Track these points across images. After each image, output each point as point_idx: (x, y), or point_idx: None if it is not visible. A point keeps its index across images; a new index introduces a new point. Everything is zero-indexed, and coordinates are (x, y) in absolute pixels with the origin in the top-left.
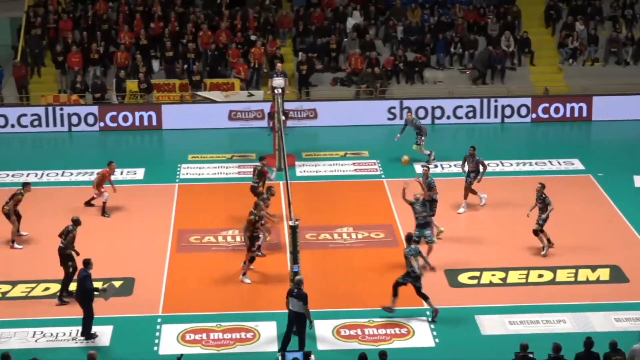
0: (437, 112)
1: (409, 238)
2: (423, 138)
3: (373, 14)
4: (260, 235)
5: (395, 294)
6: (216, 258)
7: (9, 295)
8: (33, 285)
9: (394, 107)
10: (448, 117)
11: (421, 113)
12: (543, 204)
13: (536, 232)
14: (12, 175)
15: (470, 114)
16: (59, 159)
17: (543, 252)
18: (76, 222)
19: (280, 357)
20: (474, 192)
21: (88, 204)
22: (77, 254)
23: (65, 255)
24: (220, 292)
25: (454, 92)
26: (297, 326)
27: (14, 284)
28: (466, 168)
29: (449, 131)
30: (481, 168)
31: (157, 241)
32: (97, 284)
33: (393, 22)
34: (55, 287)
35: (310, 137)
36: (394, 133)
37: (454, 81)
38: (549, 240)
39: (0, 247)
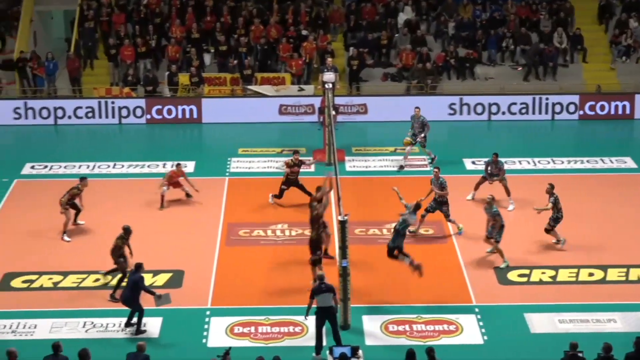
0: (494, 109)
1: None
2: (424, 135)
3: (424, 10)
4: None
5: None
6: (265, 252)
7: (60, 285)
8: (84, 276)
9: (453, 103)
10: (503, 113)
11: (479, 109)
12: (553, 204)
13: (547, 231)
14: (65, 167)
15: (523, 111)
16: (110, 151)
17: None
18: (126, 231)
19: (328, 352)
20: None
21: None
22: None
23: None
24: (269, 286)
25: (505, 89)
26: (330, 321)
27: (65, 274)
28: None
29: (501, 128)
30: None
31: (206, 234)
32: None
33: (445, 17)
34: (105, 279)
35: (360, 132)
36: (446, 129)
37: (505, 77)
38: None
39: (52, 238)
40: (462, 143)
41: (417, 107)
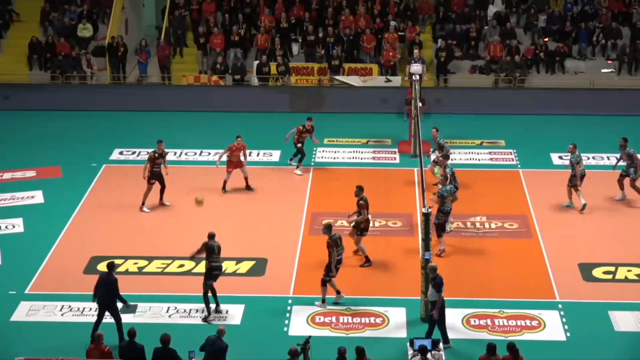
0: (583, 103)
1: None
2: (440, 155)
3: (515, 2)
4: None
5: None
6: (348, 242)
7: (145, 270)
8: (169, 261)
9: (542, 97)
10: (589, 109)
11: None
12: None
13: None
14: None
15: (614, 106)
16: (198, 138)
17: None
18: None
19: (409, 344)
20: (621, 187)
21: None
22: None
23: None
24: (351, 276)
25: (595, 84)
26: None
27: (150, 259)
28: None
29: (589, 123)
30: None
31: (290, 223)
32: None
33: (535, 10)
34: (190, 265)
35: (447, 124)
36: (532, 123)
37: (595, 72)
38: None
39: (138, 223)
40: (549, 137)
41: (434, 128)
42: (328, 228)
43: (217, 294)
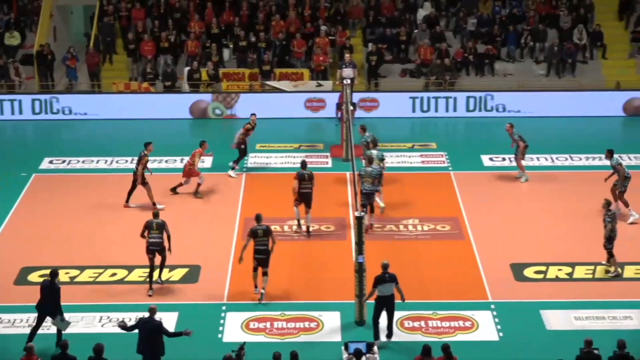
0: (509, 105)
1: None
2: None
3: (444, 6)
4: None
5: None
6: (281, 247)
7: (77, 279)
8: (100, 270)
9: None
10: (518, 111)
11: (490, 104)
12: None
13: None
14: (83, 162)
15: (543, 108)
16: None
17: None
18: (157, 215)
19: (343, 348)
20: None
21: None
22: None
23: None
24: (285, 281)
25: (524, 85)
26: (388, 310)
27: (82, 268)
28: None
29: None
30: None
31: (223, 229)
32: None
33: (464, 13)
34: (122, 273)
35: (378, 128)
36: (463, 125)
37: (524, 74)
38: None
39: (69, 232)
40: (479, 139)
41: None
42: (257, 218)
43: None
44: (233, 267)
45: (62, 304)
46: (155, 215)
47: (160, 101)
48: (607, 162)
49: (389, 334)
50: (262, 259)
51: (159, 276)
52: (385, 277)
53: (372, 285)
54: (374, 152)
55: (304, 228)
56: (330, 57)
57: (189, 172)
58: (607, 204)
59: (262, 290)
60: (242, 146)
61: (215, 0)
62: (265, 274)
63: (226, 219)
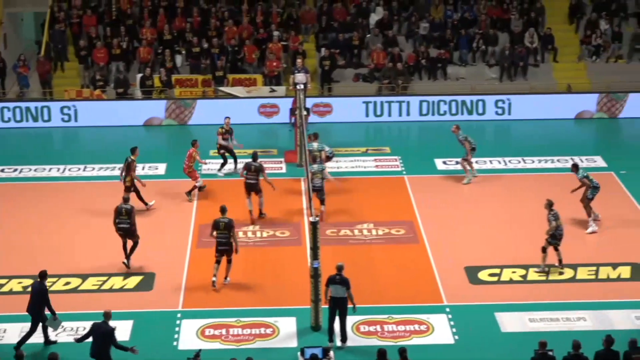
0: (463, 109)
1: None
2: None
3: (396, 10)
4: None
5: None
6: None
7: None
8: (54, 279)
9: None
10: (470, 114)
11: (443, 108)
12: (549, 221)
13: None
14: (35, 170)
15: (500, 111)
16: (81, 153)
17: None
18: (127, 200)
19: (299, 353)
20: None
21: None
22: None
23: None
24: (240, 288)
25: (477, 89)
26: (340, 313)
27: (34, 278)
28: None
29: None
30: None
31: (178, 236)
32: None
33: (416, 18)
34: (76, 282)
35: (332, 133)
36: (416, 129)
37: (476, 77)
38: (560, 262)
39: (22, 241)
40: (433, 143)
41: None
42: (221, 210)
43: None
44: (188, 274)
45: (15, 313)
46: (125, 200)
47: (113, 108)
48: (560, 165)
49: (343, 338)
50: (224, 250)
51: (127, 258)
52: (336, 278)
53: (324, 284)
54: (315, 144)
55: (254, 215)
56: (283, 62)
57: (190, 174)
58: (549, 204)
59: (229, 278)
60: (222, 151)
61: (167, 7)
62: (229, 262)
63: (181, 225)
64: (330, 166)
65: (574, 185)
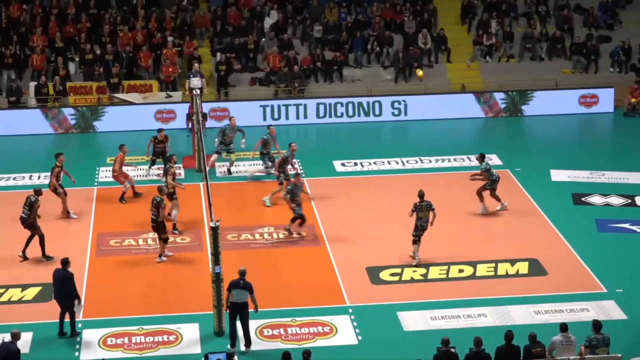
0: (359, 110)
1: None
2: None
3: (290, 13)
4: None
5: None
6: (137, 261)
7: None
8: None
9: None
10: (367, 115)
11: (340, 110)
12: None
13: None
14: None
15: (396, 112)
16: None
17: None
18: (38, 192)
19: (204, 359)
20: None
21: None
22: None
23: (30, 224)
24: (142, 296)
25: (373, 91)
26: (241, 318)
27: None
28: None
29: (369, 129)
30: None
31: (76, 245)
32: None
33: (310, 21)
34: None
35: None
36: (314, 132)
37: (371, 79)
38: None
39: None
40: (331, 145)
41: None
42: (159, 189)
43: None
44: (87, 283)
45: None
46: (37, 191)
47: (7, 117)
48: (456, 164)
49: (247, 342)
50: (153, 226)
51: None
52: (240, 283)
53: (226, 289)
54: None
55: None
56: (179, 67)
57: (116, 177)
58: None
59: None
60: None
61: (58, 14)
62: (160, 239)
63: (79, 234)
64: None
65: (473, 183)
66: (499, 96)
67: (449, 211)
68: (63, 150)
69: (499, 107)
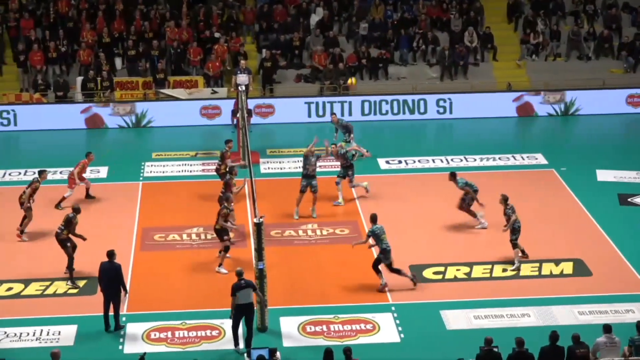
0: (404, 108)
1: (374, 218)
2: (352, 135)
3: (336, 10)
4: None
5: (378, 272)
6: (181, 256)
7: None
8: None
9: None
10: (412, 113)
11: (385, 108)
12: (507, 216)
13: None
14: None
15: (441, 110)
16: (21, 158)
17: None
18: (76, 210)
19: (246, 355)
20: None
21: (88, 196)
22: (84, 239)
23: (62, 240)
24: (185, 290)
25: (418, 88)
26: (247, 319)
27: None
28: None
29: (413, 127)
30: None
31: (121, 239)
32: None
33: (356, 18)
34: (18, 287)
35: (274, 134)
36: (359, 129)
37: (417, 77)
38: (522, 252)
39: None
40: (375, 143)
41: (333, 114)
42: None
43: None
44: (132, 277)
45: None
46: (75, 209)
47: (53, 112)
48: (502, 163)
49: (248, 344)
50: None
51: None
52: (242, 284)
53: (231, 294)
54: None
55: None
56: (227, 64)
57: (70, 181)
58: (504, 199)
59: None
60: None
61: (105, 9)
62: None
63: (124, 229)
64: (274, 167)
65: (517, 182)
66: (545, 95)
67: (495, 210)
68: (110, 146)
69: (548, 105)
